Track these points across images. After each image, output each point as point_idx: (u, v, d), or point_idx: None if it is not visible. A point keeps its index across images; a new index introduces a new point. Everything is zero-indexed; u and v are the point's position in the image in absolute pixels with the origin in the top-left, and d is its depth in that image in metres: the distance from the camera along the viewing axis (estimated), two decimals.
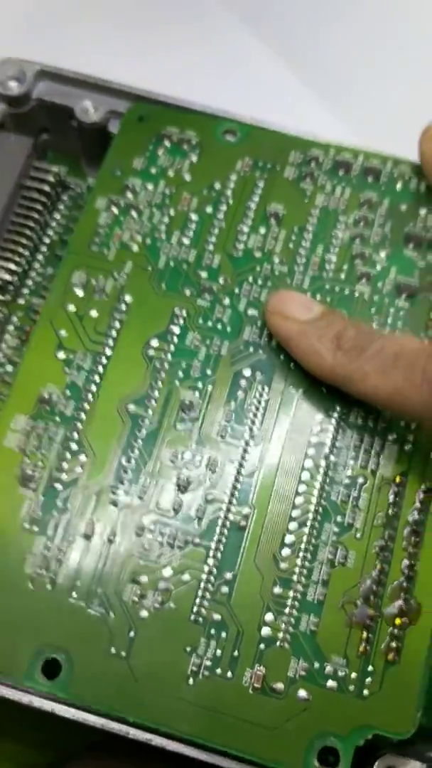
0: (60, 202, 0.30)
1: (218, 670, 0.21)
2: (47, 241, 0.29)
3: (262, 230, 0.27)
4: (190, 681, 0.21)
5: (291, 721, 0.21)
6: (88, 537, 0.23)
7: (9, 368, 0.27)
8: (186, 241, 0.26)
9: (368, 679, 0.21)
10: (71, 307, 0.26)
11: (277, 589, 0.22)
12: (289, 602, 0.22)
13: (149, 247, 0.26)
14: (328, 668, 0.21)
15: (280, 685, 0.21)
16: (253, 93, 0.37)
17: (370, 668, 0.21)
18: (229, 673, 0.21)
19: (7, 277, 0.27)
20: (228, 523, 0.23)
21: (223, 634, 0.22)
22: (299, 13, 0.42)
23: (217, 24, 0.42)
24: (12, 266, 0.28)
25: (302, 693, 0.21)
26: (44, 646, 0.21)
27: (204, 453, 0.24)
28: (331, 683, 0.21)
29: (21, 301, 0.28)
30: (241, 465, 0.23)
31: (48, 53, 0.30)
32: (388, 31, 0.42)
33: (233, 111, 0.28)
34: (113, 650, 0.22)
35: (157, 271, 0.26)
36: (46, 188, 0.29)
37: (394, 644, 0.22)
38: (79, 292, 0.26)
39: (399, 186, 0.27)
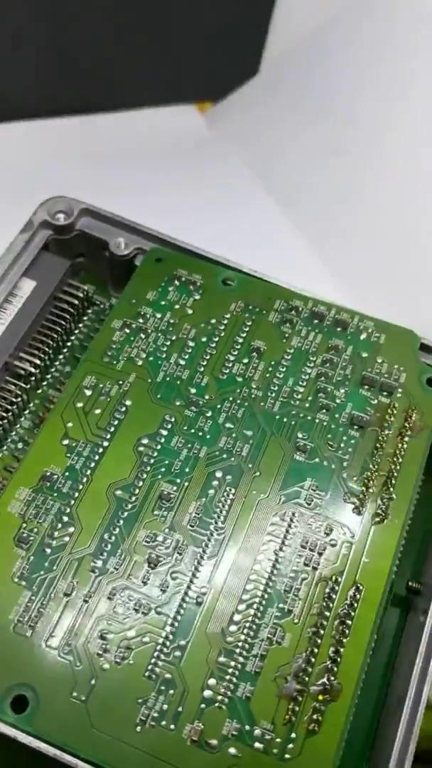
0: (85, 315, 0.36)
1: (163, 722, 0.25)
2: (69, 344, 0.35)
3: (245, 360, 0.32)
4: (138, 728, 0.25)
5: None
6: (67, 595, 0.27)
7: (20, 445, 0.32)
8: (182, 362, 0.32)
9: (290, 745, 0.25)
10: (79, 404, 0.31)
11: (221, 658, 0.26)
12: (230, 670, 0.26)
13: (151, 363, 0.32)
14: (257, 731, 0.25)
15: (214, 741, 0.25)
16: (261, 246, 0.44)
17: (293, 735, 0.25)
18: (172, 725, 0.25)
19: (31, 369, 0.33)
20: (187, 597, 0.27)
21: (171, 691, 0.25)
22: (322, 195, 0.50)
23: (239, 183, 0.50)
24: (36, 361, 0.33)
25: (232, 750, 0.25)
26: (16, 684, 0.25)
27: (174, 537, 0.28)
28: (258, 744, 0.25)
29: (39, 391, 0.34)
30: (203, 551, 0.28)
31: (93, 189, 0.37)
32: (392, 218, 0.48)
33: (235, 260, 0.35)
34: (75, 694, 0.25)
35: (155, 383, 0.31)
36: (75, 302, 0.35)
37: (315, 717, 0.25)
38: (88, 393, 0.31)
39: (363, 336, 0.33)
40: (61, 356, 0.35)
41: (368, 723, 0.28)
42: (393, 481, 0.29)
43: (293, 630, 0.27)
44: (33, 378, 0.33)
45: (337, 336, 0.33)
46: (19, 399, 0.32)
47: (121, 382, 0.31)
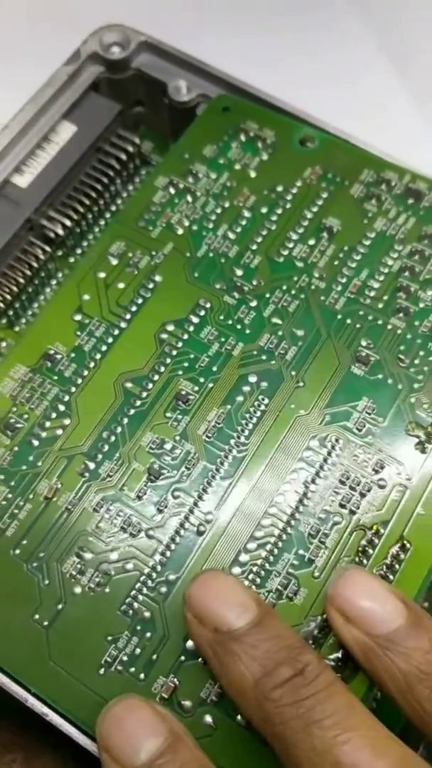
0: (137, 176, 0.30)
1: (132, 669, 0.20)
2: (113, 208, 0.29)
3: (311, 241, 0.25)
4: (102, 671, 0.20)
5: None
6: (47, 499, 0.22)
7: None
8: (231, 235, 0.26)
9: None
10: (101, 274, 0.25)
11: None
12: None
13: (194, 233, 0.26)
14: None
15: (188, 703, 0.20)
16: (364, 108, 0.35)
17: None
18: (142, 675, 0.20)
19: (60, 231, 0.27)
20: (187, 523, 0.22)
21: (148, 634, 0.21)
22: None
23: (347, 33, 0.40)
24: (67, 222, 0.28)
25: (208, 719, 0.20)
26: None
27: (185, 447, 0.23)
28: (240, 719, 0.20)
29: (71, 260, 0.28)
30: (217, 469, 0.22)
31: (160, 23, 0.30)
32: None
33: (321, 117, 0.28)
34: (37, 616, 0.21)
35: (194, 258, 0.25)
36: (123, 156, 0.29)
37: None
38: (114, 261, 0.25)
39: None
40: (102, 222, 0.29)
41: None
42: None
43: (311, 585, 0.21)
44: (63, 243, 0.28)
45: None
46: (43, 266, 0.27)
47: (153, 253, 0.26)
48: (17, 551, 0.22)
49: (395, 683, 0.18)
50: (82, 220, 0.28)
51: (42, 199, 0.27)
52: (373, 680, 0.19)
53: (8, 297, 0.27)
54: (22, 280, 0.27)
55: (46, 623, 0.21)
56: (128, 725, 0.18)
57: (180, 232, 0.26)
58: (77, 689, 0.20)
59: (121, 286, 0.25)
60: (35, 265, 0.27)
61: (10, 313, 0.27)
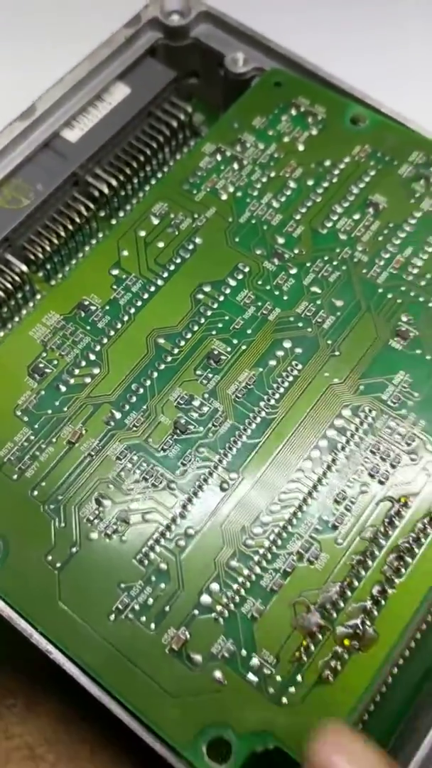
0: (186, 145, 0.30)
1: (143, 618, 0.20)
2: (159, 176, 0.29)
3: (356, 216, 0.25)
4: (112, 617, 0.20)
5: (196, 698, 0.19)
6: (71, 444, 0.22)
7: None
8: (276, 204, 0.26)
9: (292, 688, 0.19)
10: (142, 233, 0.25)
11: (233, 562, 0.20)
12: (240, 579, 0.20)
13: (238, 199, 0.26)
14: (255, 661, 0.19)
15: (198, 657, 0.19)
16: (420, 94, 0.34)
17: (298, 678, 0.19)
18: (152, 625, 0.20)
19: (105, 189, 0.27)
20: (210, 479, 0.21)
21: (162, 585, 0.20)
22: None
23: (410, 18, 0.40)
24: (113, 182, 0.27)
25: (218, 674, 0.19)
26: None
27: (213, 405, 0.22)
28: (251, 677, 0.19)
29: (113, 222, 0.28)
30: (244, 429, 0.22)
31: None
32: None
33: (377, 98, 0.27)
34: (50, 558, 0.21)
35: (236, 224, 0.25)
36: (174, 123, 0.29)
37: (333, 664, 0.19)
38: (155, 221, 0.25)
39: None
40: (146, 187, 0.29)
41: (404, 696, 0.21)
42: None
43: (333, 551, 0.20)
44: (106, 204, 0.28)
45: None
46: (85, 223, 0.27)
47: (196, 216, 0.25)
48: (35, 492, 0.21)
49: None
50: (128, 183, 0.28)
51: (89, 155, 0.27)
52: None
53: (48, 249, 0.27)
54: (63, 234, 0.27)
55: (58, 565, 0.20)
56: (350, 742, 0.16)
57: (224, 197, 0.26)
58: (84, 632, 0.20)
59: (161, 245, 0.25)
60: (77, 220, 0.27)
61: (48, 266, 0.27)
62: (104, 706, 0.19)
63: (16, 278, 0.26)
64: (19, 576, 0.20)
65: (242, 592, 0.20)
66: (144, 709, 0.19)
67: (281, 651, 0.19)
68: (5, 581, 0.20)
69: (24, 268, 0.26)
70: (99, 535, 0.21)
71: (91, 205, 0.27)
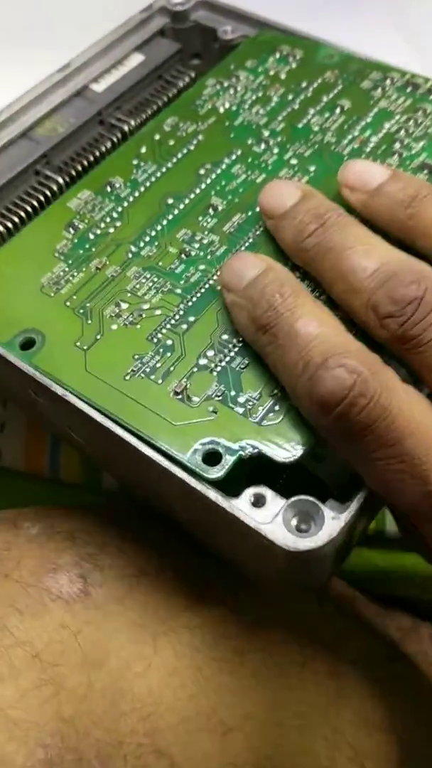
0: None
1: (153, 376, 0.25)
2: None
3: (326, 114, 0.32)
4: (127, 377, 0.25)
5: (193, 424, 0.23)
6: (97, 269, 0.27)
7: None
8: (262, 111, 0.32)
9: (271, 414, 0.23)
10: (157, 136, 0.32)
11: (224, 336, 0.25)
12: (230, 346, 0.25)
13: (233, 111, 0.32)
14: (242, 398, 0.24)
15: (196, 398, 0.24)
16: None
17: (276, 407, 0.23)
18: (160, 380, 0.24)
19: (125, 128, 0.34)
20: (207, 285, 0.27)
21: (168, 354, 0.25)
22: None
23: None
24: (132, 122, 0.34)
25: (211, 408, 0.24)
26: (29, 329, 0.26)
27: (210, 238, 0.28)
28: (238, 408, 0.24)
29: None
30: (239, 248, 0.27)
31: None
32: None
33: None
34: (79, 343, 0.26)
35: (232, 126, 0.32)
36: (181, 84, 0.36)
37: None
38: (167, 129, 0.32)
39: None
40: None
41: None
42: None
43: None
44: (125, 140, 0.34)
45: (428, 102, 0.31)
46: (107, 155, 0.34)
47: (199, 123, 0.32)
48: (68, 303, 0.27)
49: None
50: (142, 126, 0.35)
51: (111, 100, 0.35)
52: None
53: (79, 169, 0.33)
54: (92, 159, 0.33)
55: (85, 347, 0.25)
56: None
57: (221, 110, 0.32)
58: (103, 387, 0.24)
59: (171, 143, 0.31)
60: (103, 149, 0.34)
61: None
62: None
63: (55, 188, 0.32)
64: (54, 357, 0.25)
65: (232, 354, 0.25)
66: (153, 434, 0.23)
67: (263, 390, 0.24)
68: (44, 362, 0.25)
69: (60, 180, 0.32)
70: (118, 326, 0.26)
71: (115, 140, 0.34)
